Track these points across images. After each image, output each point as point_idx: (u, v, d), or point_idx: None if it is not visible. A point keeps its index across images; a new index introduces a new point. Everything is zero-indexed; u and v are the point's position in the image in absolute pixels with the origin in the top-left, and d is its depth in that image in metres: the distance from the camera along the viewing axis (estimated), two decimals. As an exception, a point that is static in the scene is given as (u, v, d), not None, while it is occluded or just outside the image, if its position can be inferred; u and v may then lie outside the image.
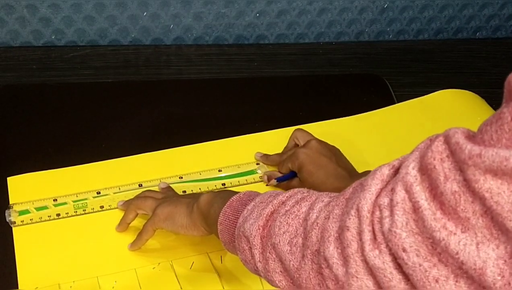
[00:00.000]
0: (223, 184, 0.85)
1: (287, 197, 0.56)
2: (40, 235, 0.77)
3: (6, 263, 0.74)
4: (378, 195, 0.45)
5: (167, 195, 0.78)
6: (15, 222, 0.77)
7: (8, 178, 0.83)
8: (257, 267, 0.56)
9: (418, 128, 0.95)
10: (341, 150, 0.84)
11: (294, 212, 0.53)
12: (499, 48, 1.20)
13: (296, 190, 0.57)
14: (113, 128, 0.92)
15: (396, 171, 0.46)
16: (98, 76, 1.03)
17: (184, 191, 0.82)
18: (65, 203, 0.80)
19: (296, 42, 1.19)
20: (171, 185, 0.82)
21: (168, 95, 1.00)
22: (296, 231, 0.52)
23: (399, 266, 0.43)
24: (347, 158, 0.84)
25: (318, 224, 0.50)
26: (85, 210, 0.80)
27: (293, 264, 0.52)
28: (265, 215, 0.56)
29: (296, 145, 0.86)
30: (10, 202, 0.80)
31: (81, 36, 1.10)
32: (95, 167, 0.85)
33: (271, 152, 0.88)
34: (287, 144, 0.87)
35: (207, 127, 0.94)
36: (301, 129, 0.87)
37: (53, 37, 1.09)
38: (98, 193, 0.81)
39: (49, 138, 0.90)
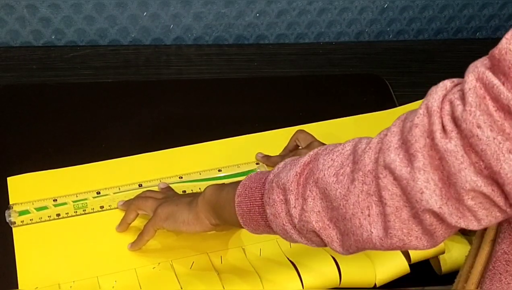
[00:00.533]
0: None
1: (323, 147, 0.57)
2: (40, 235, 0.77)
3: (6, 263, 0.74)
4: (445, 96, 0.48)
5: (168, 195, 0.78)
6: (15, 223, 0.77)
7: (8, 178, 0.83)
8: (290, 215, 0.55)
9: None
10: None
11: (338, 150, 0.54)
12: (499, 48, 1.20)
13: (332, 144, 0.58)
14: (113, 128, 0.93)
15: (457, 84, 0.49)
16: (98, 76, 1.03)
17: (184, 191, 0.82)
18: (65, 203, 0.80)
19: (296, 42, 1.19)
20: (171, 185, 0.82)
21: (168, 95, 1.00)
22: (342, 164, 0.53)
23: (469, 149, 0.45)
24: None
25: (372, 147, 0.51)
26: (85, 210, 0.80)
27: (340, 192, 0.52)
28: (302, 163, 0.56)
29: (297, 146, 0.86)
30: (10, 202, 0.80)
31: (81, 36, 1.10)
32: (95, 167, 0.85)
33: (271, 152, 0.88)
34: (288, 144, 0.87)
35: (207, 127, 0.94)
36: (303, 131, 0.87)
37: (53, 37, 1.09)
38: (98, 193, 0.81)
39: (49, 138, 0.90)
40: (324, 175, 0.53)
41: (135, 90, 1.01)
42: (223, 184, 0.67)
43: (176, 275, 0.72)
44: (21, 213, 0.78)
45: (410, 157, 0.48)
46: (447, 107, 0.47)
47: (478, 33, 1.25)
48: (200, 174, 0.86)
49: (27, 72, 1.03)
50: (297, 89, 1.05)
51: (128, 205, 0.78)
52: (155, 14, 1.10)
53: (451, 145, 0.45)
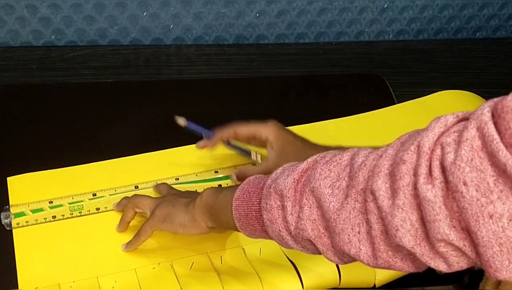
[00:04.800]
0: (219, 185, 0.85)
1: (322, 155, 0.56)
2: (40, 236, 0.77)
3: (6, 263, 0.74)
4: (440, 136, 0.47)
5: (166, 193, 0.78)
6: (10, 224, 0.77)
7: (8, 178, 0.83)
8: (286, 221, 0.55)
9: (417, 128, 0.95)
10: None
11: (336, 160, 0.54)
12: (499, 48, 1.20)
13: (330, 150, 0.57)
14: (113, 128, 0.92)
15: (460, 120, 0.47)
16: (98, 76, 1.03)
17: None
18: (61, 205, 0.80)
19: (296, 42, 1.19)
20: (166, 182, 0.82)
21: (168, 95, 1.00)
22: (339, 176, 0.53)
23: (449, 203, 0.44)
24: None
25: (367, 165, 0.51)
26: (81, 212, 0.80)
27: (333, 205, 0.52)
28: (300, 170, 0.56)
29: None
30: (10, 203, 0.80)
31: (81, 36, 1.10)
32: (91, 168, 0.85)
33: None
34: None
35: (207, 127, 0.94)
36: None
37: (53, 37, 1.09)
38: (94, 195, 0.82)
39: (49, 138, 0.90)
40: (320, 185, 0.53)
41: (135, 90, 1.01)
42: (221, 187, 0.68)
43: (176, 275, 0.72)
44: (17, 215, 0.78)
45: (393, 192, 0.47)
46: (438, 151, 0.46)
47: (478, 33, 1.25)
48: (196, 175, 0.86)
49: (27, 72, 1.03)
50: (297, 89, 1.05)
51: (124, 204, 0.78)
52: (155, 14, 1.10)
53: (431, 194, 0.45)
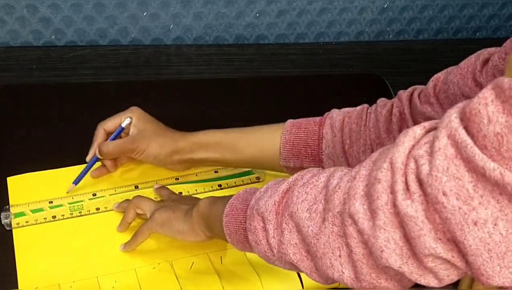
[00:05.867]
0: (219, 185, 0.85)
1: (302, 174, 0.57)
2: (40, 236, 0.77)
3: (6, 263, 0.74)
4: (411, 149, 0.46)
5: (168, 197, 0.78)
6: (10, 224, 0.77)
7: (8, 178, 0.83)
8: (269, 244, 0.56)
9: None
10: None
11: (313, 182, 0.54)
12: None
13: (310, 168, 0.58)
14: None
15: (427, 131, 0.47)
16: (98, 76, 1.03)
17: (180, 193, 0.83)
18: (60, 205, 0.80)
19: (296, 42, 1.19)
20: (167, 187, 0.82)
21: (168, 95, 1.00)
22: (315, 199, 0.52)
23: (431, 215, 0.44)
24: None
25: (341, 187, 0.50)
26: (81, 212, 0.80)
27: (311, 230, 0.51)
28: (281, 191, 0.56)
29: None
30: (10, 203, 0.80)
31: (81, 36, 1.10)
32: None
33: None
34: None
35: (207, 127, 0.94)
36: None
37: (53, 37, 1.09)
38: (94, 195, 0.82)
39: (49, 138, 0.90)
40: (297, 209, 0.53)
41: (135, 90, 1.01)
42: (216, 198, 0.67)
43: (176, 275, 0.72)
44: (17, 215, 0.78)
45: (372, 213, 0.47)
46: (412, 165, 0.45)
47: (478, 33, 1.25)
48: (196, 175, 0.86)
49: (27, 72, 1.03)
50: (297, 89, 1.05)
51: (125, 206, 0.78)
52: (155, 14, 1.10)
53: (412, 209, 0.44)
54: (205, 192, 0.83)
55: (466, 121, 0.42)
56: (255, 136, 0.79)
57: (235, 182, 0.85)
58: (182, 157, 0.80)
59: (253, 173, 0.86)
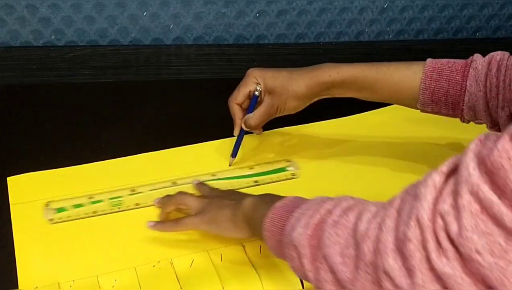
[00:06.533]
0: (256, 181, 0.85)
1: (333, 205, 0.57)
2: (40, 235, 0.77)
3: (6, 263, 0.74)
4: (435, 203, 0.46)
5: (209, 193, 0.78)
6: (52, 219, 0.77)
7: (8, 178, 0.83)
8: (306, 275, 0.56)
9: (416, 128, 0.95)
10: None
11: (343, 223, 0.54)
12: (499, 48, 1.20)
13: (341, 197, 0.58)
14: (113, 128, 0.92)
15: (447, 176, 0.47)
16: (98, 76, 1.03)
17: (217, 189, 0.82)
18: (80, 205, 0.79)
19: (296, 42, 1.19)
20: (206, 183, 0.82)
21: (168, 95, 1.00)
22: (347, 242, 0.52)
23: (469, 270, 0.44)
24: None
25: (369, 236, 0.50)
26: (119, 207, 0.80)
27: (347, 276, 0.52)
28: (313, 225, 0.56)
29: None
30: (11, 202, 0.80)
31: (81, 36, 1.10)
32: (104, 165, 0.86)
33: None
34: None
35: (207, 127, 0.94)
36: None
37: (53, 37, 1.09)
38: (133, 191, 0.81)
39: (49, 138, 0.90)
40: (330, 252, 0.53)
41: (135, 90, 1.01)
42: (261, 197, 0.68)
43: (176, 273, 0.72)
44: (59, 210, 0.78)
45: (408, 271, 0.46)
46: (439, 221, 0.45)
47: (478, 33, 1.25)
48: (232, 171, 0.86)
49: (27, 72, 1.03)
50: (297, 89, 1.05)
51: (166, 201, 0.78)
52: (155, 14, 1.10)
53: (449, 269, 0.44)
54: (241, 188, 0.83)
55: (490, 175, 0.42)
56: (393, 79, 0.80)
57: (271, 178, 0.85)
58: (320, 97, 0.84)
59: (288, 170, 0.86)
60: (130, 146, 0.89)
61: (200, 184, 0.82)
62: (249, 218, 0.67)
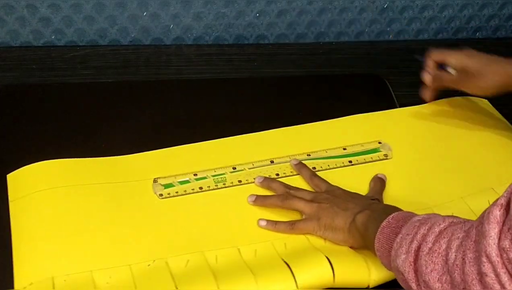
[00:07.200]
0: (350, 161, 0.88)
1: (427, 229, 0.60)
2: (37, 228, 0.76)
3: (2, 263, 0.73)
4: (499, 239, 0.50)
5: (318, 198, 0.79)
6: (162, 195, 0.81)
7: (8, 175, 0.82)
8: None
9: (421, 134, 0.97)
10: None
11: (436, 250, 0.57)
12: (499, 48, 1.20)
13: (432, 219, 0.61)
14: (113, 128, 0.92)
15: (505, 209, 0.51)
16: (98, 76, 1.03)
17: (314, 168, 0.86)
18: (205, 177, 0.84)
19: (296, 42, 1.19)
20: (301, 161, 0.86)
21: (168, 95, 1.00)
22: (442, 269, 0.56)
23: None
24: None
25: (458, 266, 0.54)
26: (225, 183, 0.83)
27: None
28: (413, 251, 0.60)
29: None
30: (10, 199, 0.79)
31: (81, 36, 1.10)
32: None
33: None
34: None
35: (207, 127, 0.94)
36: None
37: (53, 37, 1.09)
38: (234, 168, 0.85)
39: (49, 138, 0.90)
40: (429, 279, 0.57)
41: (135, 90, 1.01)
42: (371, 214, 0.71)
43: (171, 273, 0.72)
44: (166, 186, 0.82)
45: None
46: (505, 255, 0.49)
47: (478, 33, 1.25)
48: (326, 152, 0.89)
49: (27, 72, 1.03)
50: (297, 89, 1.05)
51: (268, 184, 0.82)
52: (155, 14, 1.10)
53: None
54: (336, 167, 0.87)
55: None
56: None
57: (364, 159, 0.89)
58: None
59: (381, 151, 0.90)
60: (130, 146, 0.89)
61: (300, 165, 0.86)
62: (362, 234, 0.71)
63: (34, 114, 0.94)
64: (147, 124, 0.94)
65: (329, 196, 0.78)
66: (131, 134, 0.92)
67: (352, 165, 0.88)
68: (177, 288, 0.70)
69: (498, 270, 0.49)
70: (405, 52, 1.16)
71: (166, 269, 0.72)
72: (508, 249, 0.48)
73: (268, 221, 0.78)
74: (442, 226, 0.59)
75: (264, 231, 0.77)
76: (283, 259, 0.73)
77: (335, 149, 0.89)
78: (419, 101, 1.00)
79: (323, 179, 0.83)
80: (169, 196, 0.81)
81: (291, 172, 0.86)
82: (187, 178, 0.83)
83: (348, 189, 0.80)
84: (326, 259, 0.71)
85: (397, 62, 1.13)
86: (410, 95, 1.02)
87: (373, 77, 1.08)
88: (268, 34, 1.17)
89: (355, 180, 0.84)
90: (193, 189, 0.82)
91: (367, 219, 0.71)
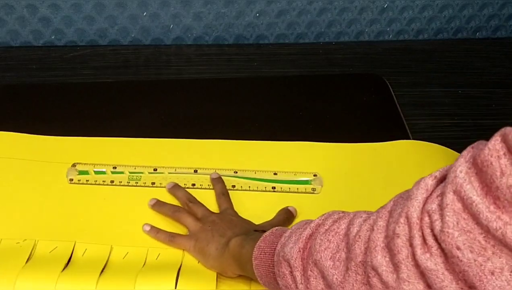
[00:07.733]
0: (273, 188, 0.84)
1: (323, 219, 0.58)
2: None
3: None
4: (424, 203, 0.48)
5: (206, 219, 0.76)
6: (72, 179, 0.82)
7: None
8: (298, 289, 0.57)
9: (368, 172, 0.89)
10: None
11: (334, 229, 0.55)
12: (499, 48, 1.20)
13: (331, 212, 0.59)
14: (113, 128, 0.92)
15: (439, 181, 0.48)
16: (98, 76, 1.03)
17: (234, 186, 0.83)
18: (121, 173, 0.84)
19: (296, 42, 1.19)
20: (223, 178, 0.83)
21: (168, 95, 1.00)
22: (338, 247, 0.54)
23: (451, 266, 0.45)
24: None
25: (361, 237, 0.52)
26: (137, 182, 0.83)
27: (336, 278, 0.53)
28: (304, 238, 0.57)
29: None
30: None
31: (81, 36, 1.10)
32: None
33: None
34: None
35: (207, 127, 0.94)
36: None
37: (53, 37, 1.09)
38: (155, 170, 0.84)
39: (49, 138, 0.90)
40: (321, 257, 0.54)
41: (135, 90, 1.01)
42: (245, 239, 0.68)
43: (31, 254, 0.72)
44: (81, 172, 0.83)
45: (395, 266, 0.48)
46: (426, 219, 0.47)
47: (478, 33, 1.25)
48: (255, 173, 0.85)
49: (27, 72, 1.03)
50: (297, 89, 1.05)
51: (174, 210, 0.79)
52: (155, 14, 1.10)
53: (431, 263, 0.46)
54: (259, 191, 0.83)
55: (479, 174, 0.43)
56: None
57: (289, 188, 0.84)
58: None
59: (311, 184, 0.84)
60: (130, 146, 0.89)
61: (216, 180, 0.83)
62: (236, 256, 0.67)
63: (34, 114, 0.94)
64: (147, 124, 0.94)
65: (216, 220, 0.76)
66: (131, 134, 0.92)
67: (274, 191, 0.83)
68: (26, 263, 0.70)
69: (414, 231, 0.47)
70: (405, 52, 1.16)
71: (28, 249, 0.72)
72: (433, 212, 0.46)
73: (152, 227, 0.76)
74: (341, 214, 0.57)
75: (145, 237, 0.76)
76: (141, 268, 0.72)
77: (265, 172, 0.85)
78: (419, 101, 1.00)
79: (227, 200, 0.80)
80: (79, 183, 0.82)
81: (208, 185, 0.83)
82: (104, 169, 0.84)
83: (257, 215, 0.77)
84: (175, 278, 0.70)
85: (397, 62, 1.13)
86: (410, 95, 1.03)
87: (373, 77, 1.08)
88: (268, 34, 1.17)
89: (271, 207, 0.80)
90: (104, 181, 0.82)
91: (242, 241, 0.68)
